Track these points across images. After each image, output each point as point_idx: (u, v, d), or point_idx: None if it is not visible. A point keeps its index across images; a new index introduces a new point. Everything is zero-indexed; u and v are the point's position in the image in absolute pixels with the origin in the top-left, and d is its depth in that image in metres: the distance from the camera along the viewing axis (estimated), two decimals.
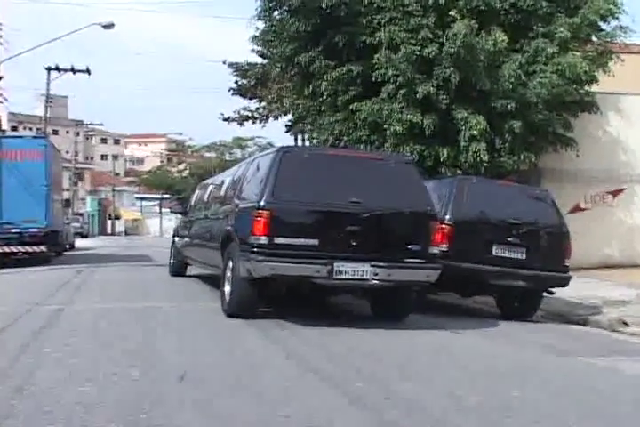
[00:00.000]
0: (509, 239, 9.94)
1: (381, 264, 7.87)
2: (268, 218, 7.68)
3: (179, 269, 13.86)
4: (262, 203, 7.81)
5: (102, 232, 68.30)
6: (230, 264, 8.40)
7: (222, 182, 11.02)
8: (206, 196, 12.12)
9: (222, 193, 10.53)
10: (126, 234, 71.20)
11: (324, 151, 9.62)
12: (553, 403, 5.09)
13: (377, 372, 5.74)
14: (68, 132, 71.11)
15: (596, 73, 15.95)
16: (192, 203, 13.66)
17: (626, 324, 9.98)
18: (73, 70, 34.47)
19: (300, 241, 7.76)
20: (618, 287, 13.86)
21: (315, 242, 7.78)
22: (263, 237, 7.65)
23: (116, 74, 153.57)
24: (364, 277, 7.84)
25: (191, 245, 12.23)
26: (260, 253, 7.60)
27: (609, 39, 16.55)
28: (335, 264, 7.71)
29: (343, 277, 7.77)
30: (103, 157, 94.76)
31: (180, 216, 15.75)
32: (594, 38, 16.79)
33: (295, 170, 8.10)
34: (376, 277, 7.86)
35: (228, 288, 8.41)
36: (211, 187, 12.12)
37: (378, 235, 8.14)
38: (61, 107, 71.42)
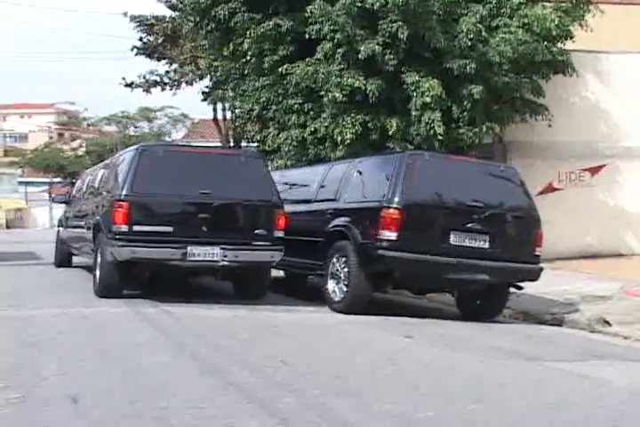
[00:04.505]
0: (469, 225, 10.09)
1: (229, 247, 10.45)
2: (127, 209, 10.23)
3: (64, 260, 16.08)
4: (122, 195, 10.36)
5: None
6: (99, 251, 10.92)
7: (97, 174, 13.53)
8: (85, 186, 14.63)
9: (96, 184, 13.01)
10: (7, 227, 69.63)
11: (180, 149, 13.36)
12: (516, 423, 5.21)
13: (309, 387, 5.78)
14: None
15: (570, 27, 16.19)
16: (74, 193, 16.25)
17: (607, 323, 10.25)
18: None
19: (157, 228, 10.32)
20: (598, 281, 14.18)
21: (169, 229, 10.36)
22: (124, 226, 10.19)
23: None
24: (215, 258, 10.40)
25: (73, 235, 14.52)
26: (122, 240, 10.16)
27: None
28: (188, 248, 10.23)
29: (196, 258, 10.32)
30: None
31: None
32: None
33: (152, 166, 10.64)
34: (225, 259, 10.42)
35: (97, 273, 10.90)
36: (89, 177, 14.60)
37: (226, 221, 10.86)
38: None
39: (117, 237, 10.21)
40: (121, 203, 10.29)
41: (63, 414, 4.72)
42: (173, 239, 10.27)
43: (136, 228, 10.21)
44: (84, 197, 14.23)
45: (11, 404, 4.88)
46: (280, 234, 10.85)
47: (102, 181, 12.45)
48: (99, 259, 10.92)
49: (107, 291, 10.63)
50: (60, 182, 72.24)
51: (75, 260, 15.79)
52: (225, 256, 10.40)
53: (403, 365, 7.09)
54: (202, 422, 4.73)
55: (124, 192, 10.38)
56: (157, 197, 10.57)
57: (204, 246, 10.34)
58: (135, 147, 11.57)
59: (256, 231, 10.75)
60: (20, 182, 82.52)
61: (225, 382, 5.78)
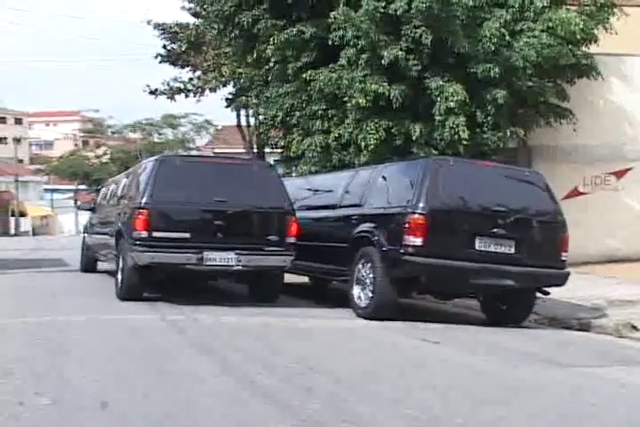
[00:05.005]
0: (495, 231, 10.06)
1: (243, 252, 10.96)
2: (147, 216, 10.79)
3: (89, 266, 16.63)
4: (142, 203, 10.92)
5: (3, 233, 67.18)
6: (121, 256, 11.50)
7: (120, 182, 14.13)
8: (109, 194, 15.24)
9: (119, 193, 13.61)
10: (34, 234, 70.19)
11: (196, 159, 14.46)
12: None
13: (334, 391, 5.81)
14: None
15: (594, 30, 16.12)
16: (98, 200, 16.95)
17: (635, 328, 10.18)
18: None
19: (175, 235, 10.87)
20: (625, 285, 14.11)
21: (187, 235, 10.90)
22: (144, 232, 10.76)
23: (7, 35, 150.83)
24: (229, 263, 10.93)
25: (97, 241, 15.04)
26: (142, 245, 10.74)
27: None
28: (204, 253, 10.78)
29: (211, 263, 10.86)
30: (1, 140, 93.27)
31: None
32: None
33: (170, 175, 11.24)
34: (239, 263, 10.94)
35: (120, 276, 11.45)
36: (113, 186, 15.19)
37: (241, 228, 11.37)
38: None
39: (138, 242, 10.79)
40: (141, 210, 10.86)
41: (94, 421, 4.76)
42: (190, 245, 10.81)
43: (155, 234, 10.76)
44: (107, 205, 14.85)
45: (41, 410, 4.93)
46: (292, 240, 11.32)
47: (124, 190, 13.03)
48: (121, 264, 11.46)
49: (128, 294, 11.16)
50: (85, 189, 72.75)
51: (99, 265, 16.20)
52: (239, 261, 10.93)
53: (429, 369, 7.10)
54: (229, 426, 4.76)
55: (143, 200, 10.94)
56: (175, 205, 11.12)
57: (220, 252, 10.89)
58: (155, 157, 12.34)
59: (269, 237, 11.25)
60: (46, 190, 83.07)
61: (252, 386, 5.82)
